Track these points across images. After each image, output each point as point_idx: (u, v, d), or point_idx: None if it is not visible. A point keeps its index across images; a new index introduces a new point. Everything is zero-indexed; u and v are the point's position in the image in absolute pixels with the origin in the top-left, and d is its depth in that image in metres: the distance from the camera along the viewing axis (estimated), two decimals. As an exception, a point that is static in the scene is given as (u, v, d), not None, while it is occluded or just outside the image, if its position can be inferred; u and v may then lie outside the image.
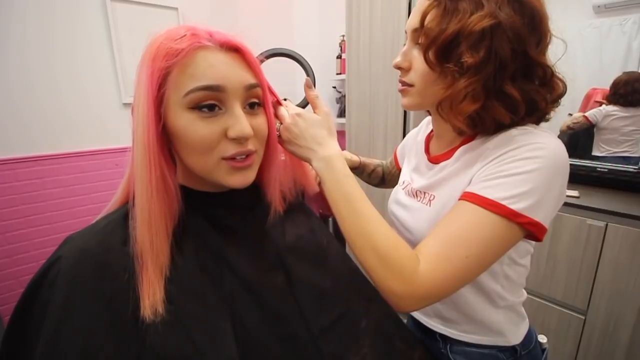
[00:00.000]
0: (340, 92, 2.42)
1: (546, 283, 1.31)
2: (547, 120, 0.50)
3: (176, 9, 1.90)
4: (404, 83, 0.52)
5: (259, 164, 0.47)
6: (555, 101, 0.48)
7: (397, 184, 0.86)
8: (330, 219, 2.47)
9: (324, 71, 2.36)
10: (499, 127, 0.47)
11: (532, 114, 0.47)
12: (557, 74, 0.47)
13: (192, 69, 0.39)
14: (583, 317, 1.23)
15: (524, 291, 0.60)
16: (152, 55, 0.39)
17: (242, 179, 0.43)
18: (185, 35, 0.39)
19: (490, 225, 0.42)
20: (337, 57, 2.28)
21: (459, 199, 0.46)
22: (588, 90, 1.51)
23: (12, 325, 0.39)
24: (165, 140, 0.41)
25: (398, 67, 0.52)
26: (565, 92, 0.48)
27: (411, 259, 0.43)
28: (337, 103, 2.47)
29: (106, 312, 0.36)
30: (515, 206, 0.41)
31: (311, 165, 0.50)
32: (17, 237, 1.65)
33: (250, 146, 0.43)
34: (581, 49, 1.51)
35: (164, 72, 0.38)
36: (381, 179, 0.88)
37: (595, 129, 1.50)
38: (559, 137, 1.63)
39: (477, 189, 0.44)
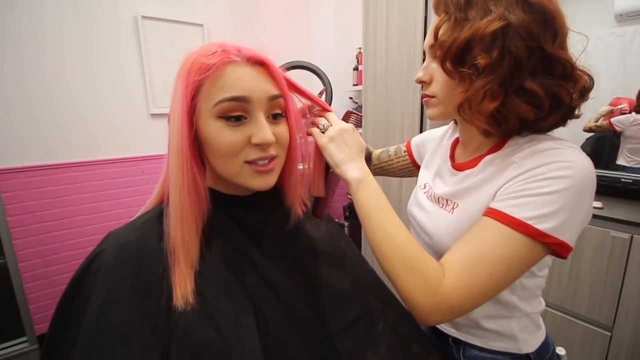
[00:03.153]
0: (356, 103, 2.46)
1: (569, 297, 1.26)
2: (577, 117, 0.49)
3: (201, 25, 2.01)
4: (426, 95, 0.55)
5: (280, 168, 0.50)
6: (582, 95, 0.47)
7: (387, 174, 0.87)
8: (345, 225, 2.48)
9: (340, 82, 2.41)
10: (524, 125, 0.48)
11: (558, 109, 0.46)
12: (580, 67, 0.47)
13: (222, 82, 0.43)
14: (609, 334, 1.18)
15: (542, 300, 0.59)
16: (186, 70, 0.43)
17: (264, 182, 0.47)
18: (216, 52, 0.43)
19: (515, 244, 0.43)
20: (354, 69, 2.33)
21: (484, 215, 0.47)
22: (612, 100, 1.48)
23: (59, 310, 0.44)
24: (197, 147, 0.45)
25: (420, 82, 0.55)
26: (593, 85, 0.47)
27: (437, 271, 0.44)
28: (354, 113, 2.50)
29: (143, 301, 0.40)
30: (542, 226, 0.42)
31: (341, 170, 0.52)
32: (50, 239, 1.75)
33: (272, 151, 0.46)
34: (604, 57, 1.48)
35: (197, 84, 0.42)
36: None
37: (621, 137, 1.46)
38: (582, 146, 1.56)
39: (502, 206, 0.45)
